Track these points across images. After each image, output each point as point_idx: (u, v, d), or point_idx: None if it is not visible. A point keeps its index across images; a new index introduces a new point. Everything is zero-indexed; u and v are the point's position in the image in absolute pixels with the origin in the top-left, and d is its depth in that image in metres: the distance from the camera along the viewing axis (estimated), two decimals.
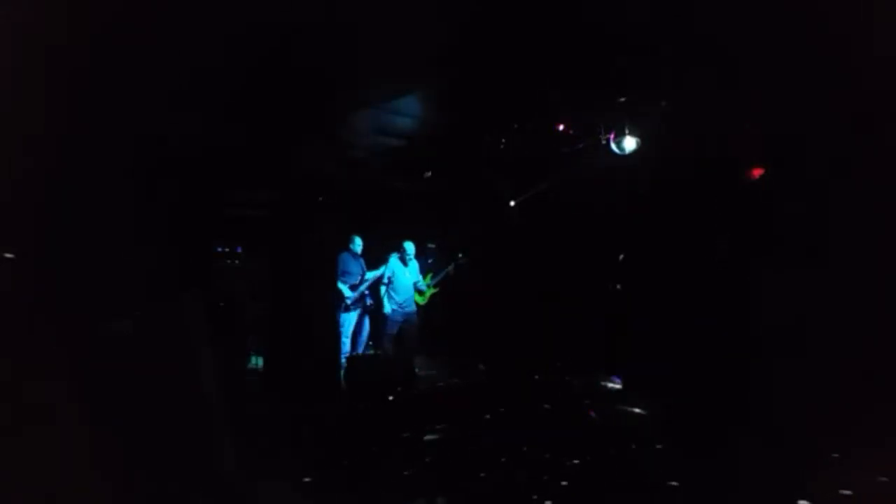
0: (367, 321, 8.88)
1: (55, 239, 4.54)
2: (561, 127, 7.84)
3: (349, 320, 8.57)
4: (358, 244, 8.71)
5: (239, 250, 7.70)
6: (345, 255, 8.60)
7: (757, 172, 6.74)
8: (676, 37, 5.56)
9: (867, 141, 5.41)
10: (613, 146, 7.28)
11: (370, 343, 9.02)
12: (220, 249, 7.60)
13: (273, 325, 7.33)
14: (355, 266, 8.65)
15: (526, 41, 5.70)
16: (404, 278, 8.78)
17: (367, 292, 8.75)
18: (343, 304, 8.43)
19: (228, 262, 7.64)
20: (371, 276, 8.74)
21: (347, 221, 8.61)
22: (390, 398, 6.86)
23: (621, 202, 7.89)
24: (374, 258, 8.89)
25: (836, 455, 4.49)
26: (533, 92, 6.79)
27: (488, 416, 6.19)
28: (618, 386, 7.27)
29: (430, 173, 9.25)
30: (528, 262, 8.87)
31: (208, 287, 6.87)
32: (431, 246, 9.61)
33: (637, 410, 6.05)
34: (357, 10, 5.10)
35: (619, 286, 7.92)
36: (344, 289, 8.45)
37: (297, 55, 5.73)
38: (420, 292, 9.25)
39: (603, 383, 7.18)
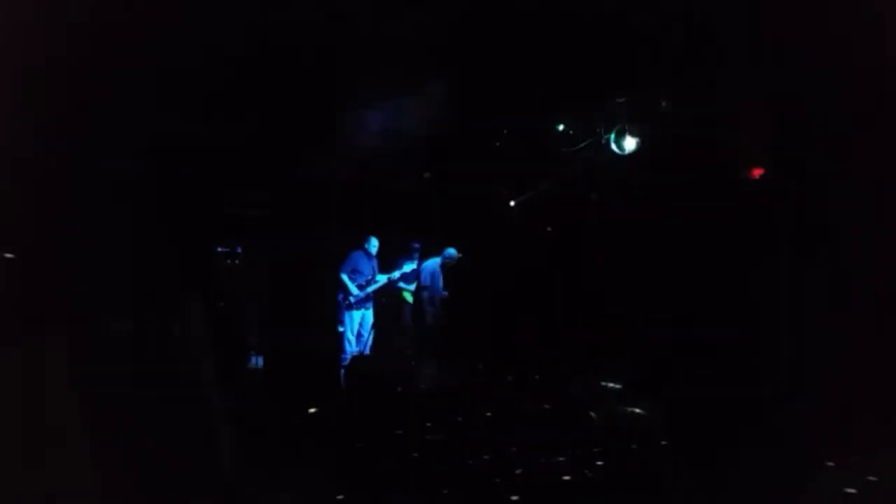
0: (369, 321, 8.86)
1: (55, 239, 4.54)
2: (561, 127, 7.85)
3: (352, 319, 8.52)
4: (374, 245, 8.63)
5: (239, 250, 7.69)
6: (358, 254, 8.52)
7: (757, 172, 6.74)
8: (677, 36, 5.56)
9: (867, 141, 5.42)
10: (613, 146, 7.28)
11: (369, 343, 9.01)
12: (220, 249, 7.59)
13: (273, 325, 7.33)
14: (367, 266, 8.58)
15: (526, 41, 5.70)
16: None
17: (372, 295, 8.69)
18: (346, 302, 8.38)
19: (228, 262, 7.63)
20: (382, 278, 8.67)
21: (361, 222, 8.56)
22: (390, 398, 6.86)
23: (621, 202, 7.89)
24: (389, 261, 8.89)
25: (836, 455, 4.48)
26: (533, 91, 6.79)
27: (488, 416, 6.19)
28: (618, 386, 7.27)
29: (429, 174, 9.25)
30: (528, 262, 8.86)
31: (208, 287, 6.88)
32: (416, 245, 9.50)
33: (637, 410, 6.04)
34: (358, 9, 5.11)
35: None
36: (351, 286, 8.39)
37: (296, 55, 5.74)
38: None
39: (603, 383, 7.17)
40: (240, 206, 7.52)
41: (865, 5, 4.67)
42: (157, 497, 3.75)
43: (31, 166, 4.33)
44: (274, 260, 7.48)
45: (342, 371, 7.54)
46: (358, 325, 8.60)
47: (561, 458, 4.87)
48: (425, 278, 8.89)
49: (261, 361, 7.69)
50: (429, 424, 5.81)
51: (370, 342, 8.78)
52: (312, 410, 6.10)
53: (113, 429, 3.82)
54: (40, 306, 4.20)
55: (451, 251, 8.84)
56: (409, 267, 8.87)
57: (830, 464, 4.39)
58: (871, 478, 4.07)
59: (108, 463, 3.67)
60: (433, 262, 8.91)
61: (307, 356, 7.10)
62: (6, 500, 3.35)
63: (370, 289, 8.54)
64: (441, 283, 8.83)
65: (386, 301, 9.26)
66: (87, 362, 4.04)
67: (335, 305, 8.21)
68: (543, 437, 5.43)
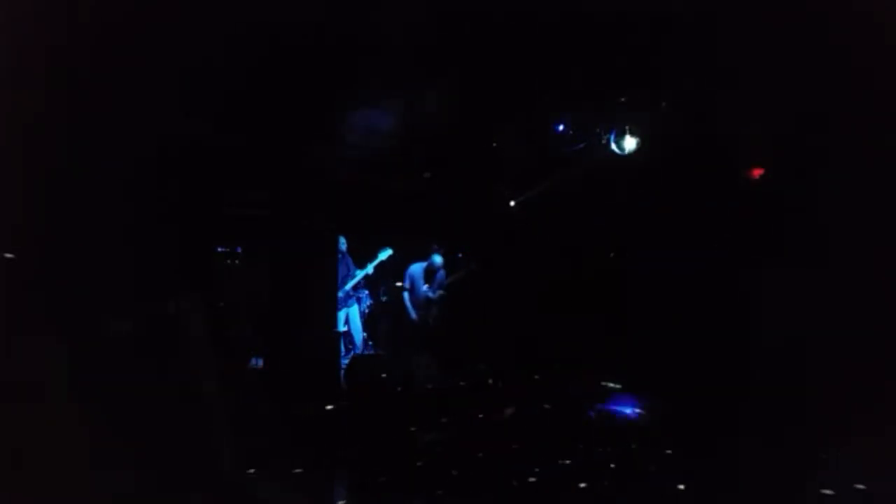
0: (355, 319, 8.86)
1: (55, 239, 4.54)
2: (561, 127, 7.85)
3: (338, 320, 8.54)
4: (342, 243, 8.70)
5: (239, 250, 7.69)
6: None
7: (757, 172, 6.75)
8: (677, 36, 5.56)
9: (867, 140, 5.42)
10: (613, 146, 7.28)
11: (369, 343, 9.01)
12: (220, 249, 7.58)
13: (273, 325, 7.33)
14: (340, 266, 8.65)
15: (526, 40, 5.70)
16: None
17: (352, 292, 8.72)
18: None
19: (228, 262, 7.62)
20: (360, 274, 8.74)
21: (342, 221, 8.60)
22: (390, 398, 6.86)
23: (621, 202, 7.89)
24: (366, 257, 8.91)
25: (837, 455, 4.48)
26: (533, 91, 6.79)
27: (488, 417, 6.19)
28: (618, 386, 7.27)
29: (429, 174, 9.24)
30: (528, 262, 8.86)
31: (208, 287, 6.86)
32: (436, 248, 9.54)
33: (636, 410, 6.05)
34: (356, 9, 5.11)
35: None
36: None
37: (296, 55, 5.74)
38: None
39: (603, 383, 7.17)
40: (240, 206, 7.50)
41: (866, 4, 4.68)
42: (157, 496, 3.75)
43: (31, 166, 4.33)
44: (274, 260, 7.47)
45: (342, 371, 7.55)
46: (345, 325, 8.63)
47: (560, 459, 4.88)
48: (405, 281, 9.07)
49: (261, 361, 7.68)
50: (428, 425, 5.81)
51: (359, 340, 8.80)
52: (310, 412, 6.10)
53: (112, 428, 3.82)
54: (40, 306, 4.20)
55: (438, 259, 8.96)
56: (384, 254, 8.89)
57: (824, 456, 4.41)
58: (869, 477, 4.07)
59: (107, 462, 3.67)
60: (416, 266, 9.02)
61: (307, 356, 7.09)
62: (7, 500, 3.35)
63: (347, 287, 8.60)
64: (423, 285, 8.99)
65: (388, 300, 9.29)
66: (87, 362, 4.04)
67: (335, 305, 8.22)
68: (543, 438, 5.44)
